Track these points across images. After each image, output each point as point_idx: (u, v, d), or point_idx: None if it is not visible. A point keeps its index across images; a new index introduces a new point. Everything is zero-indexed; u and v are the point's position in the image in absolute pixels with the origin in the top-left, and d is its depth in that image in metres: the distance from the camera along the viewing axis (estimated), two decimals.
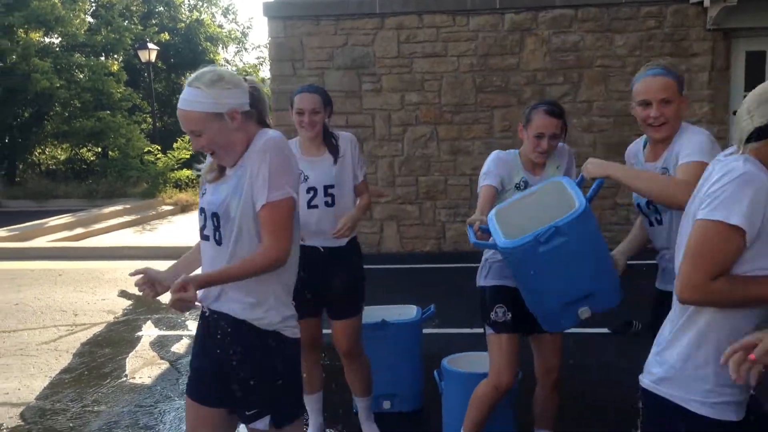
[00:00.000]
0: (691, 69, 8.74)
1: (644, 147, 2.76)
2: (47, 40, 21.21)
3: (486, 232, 2.67)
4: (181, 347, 5.69)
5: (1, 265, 9.61)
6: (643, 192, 2.44)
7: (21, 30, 19.38)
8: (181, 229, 12.53)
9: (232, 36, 28.31)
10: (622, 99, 8.78)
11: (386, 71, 9.19)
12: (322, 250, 3.44)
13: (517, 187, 3.10)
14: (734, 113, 8.74)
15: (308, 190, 3.40)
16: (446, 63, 9.10)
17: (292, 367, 2.31)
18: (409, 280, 7.85)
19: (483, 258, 3.21)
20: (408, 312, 4.33)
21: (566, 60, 8.92)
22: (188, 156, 17.68)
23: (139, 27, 23.24)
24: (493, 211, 2.76)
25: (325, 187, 3.41)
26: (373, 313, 4.24)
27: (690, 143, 2.47)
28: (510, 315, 3.05)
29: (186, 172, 17.63)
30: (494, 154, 3.18)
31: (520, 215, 2.67)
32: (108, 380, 4.96)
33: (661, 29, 8.76)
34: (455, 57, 9.09)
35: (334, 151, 3.47)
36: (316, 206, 3.41)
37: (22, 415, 4.36)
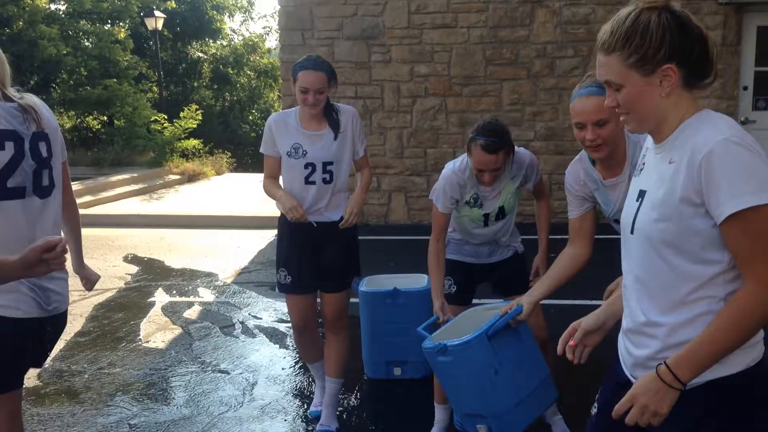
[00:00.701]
0: None
1: (593, 164, 2.65)
2: (53, 6, 21.11)
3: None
4: (192, 313, 5.78)
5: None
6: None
7: None
8: (188, 198, 12.59)
9: (239, 5, 28.09)
10: None
11: (396, 42, 9.17)
12: (315, 225, 3.37)
13: (468, 204, 3.28)
14: (744, 88, 8.76)
15: (306, 166, 3.33)
16: (456, 34, 9.07)
17: None
18: (416, 251, 7.90)
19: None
20: (418, 281, 4.40)
21: (576, 33, 8.89)
22: (194, 126, 17.68)
23: None
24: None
25: (324, 164, 3.33)
26: (383, 281, 4.31)
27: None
28: (455, 288, 3.44)
29: (193, 142, 17.63)
30: (447, 173, 3.27)
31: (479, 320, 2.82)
32: (123, 344, 5.06)
33: (672, 2, 8.70)
34: (465, 28, 9.06)
35: (335, 125, 3.35)
36: (313, 182, 3.34)
37: (39, 376, 4.47)
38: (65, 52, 19.05)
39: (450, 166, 3.27)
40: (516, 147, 3.27)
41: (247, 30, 34.16)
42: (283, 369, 4.56)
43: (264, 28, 42.31)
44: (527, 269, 3.49)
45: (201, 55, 25.71)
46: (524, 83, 9.00)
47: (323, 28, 9.26)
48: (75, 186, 13.19)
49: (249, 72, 26.50)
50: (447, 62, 9.14)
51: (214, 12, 25.68)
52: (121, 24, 21.71)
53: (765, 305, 1.51)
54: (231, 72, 25.86)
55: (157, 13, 19.50)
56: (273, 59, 25.60)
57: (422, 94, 9.22)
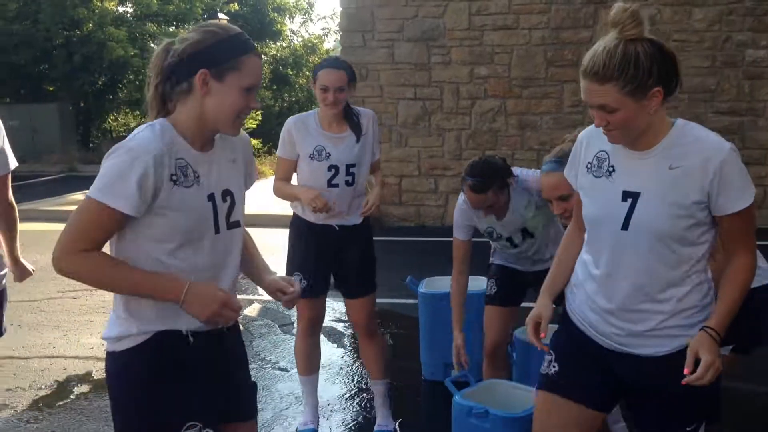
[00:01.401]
0: None
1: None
2: (122, 9, 21.77)
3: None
4: (252, 311, 5.89)
5: None
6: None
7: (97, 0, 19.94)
8: (248, 197, 12.79)
9: (299, 6, 28.44)
10: (698, 75, 8.55)
11: (456, 43, 9.15)
12: (337, 228, 3.36)
13: (489, 234, 3.39)
14: None
15: (330, 168, 3.29)
16: (517, 36, 9.00)
17: None
18: (475, 253, 7.87)
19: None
20: (477, 283, 4.38)
21: None
22: (254, 126, 17.98)
23: None
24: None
25: (348, 166, 3.31)
26: (443, 283, 4.31)
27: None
28: (495, 289, 3.50)
29: (252, 142, 17.90)
30: (459, 202, 3.37)
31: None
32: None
33: (742, 3, 8.47)
34: (527, 30, 8.98)
35: (357, 129, 3.35)
36: (336, 185, 3.31)
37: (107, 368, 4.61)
38: (132, 53, 19.62)
39: (460, 197, 3.34)
40: (523, 173, 3.27)
41: (307, 31, 34.57)
42: (341, 368, 4.60)
43: (323, 29, 42.82)
44: None
45: (262, 56, 26.13)
46: None
47: (384, 29, 9.31)
48: None
49: (308, 73, 26.77)
50: (507, 64, 9.07)
51: (275, 14, 26.07)
52: (186, 26, 22.21)
53: (754, 267, 1.97)
54: (290, 73, 26.19)
55: (220, 15, 19.87)
56: None
57: (481, 96, 9.18)
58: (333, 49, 26.90)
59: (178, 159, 1.80)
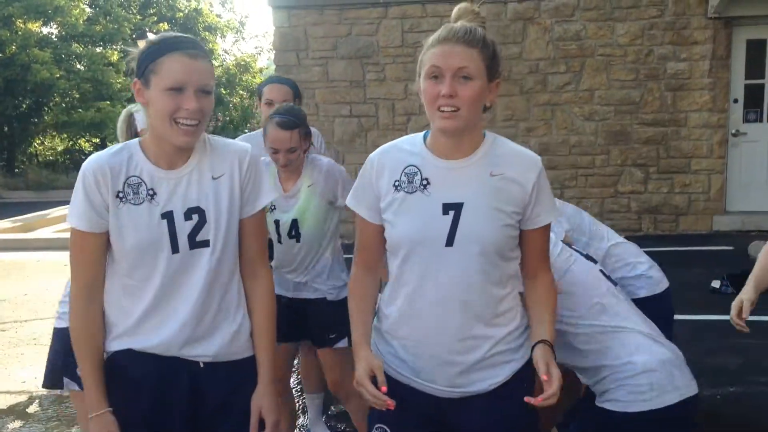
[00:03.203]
0: (692, 57, 8.80)
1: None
2: (46, 30, 21.18)
3: None
4: None
5: (7, 255, 9.67)
6: None
7: (20, 21, 19.35)
8: None
9: (231, 25, 28.23)
10: (623, 88, 8.85)
11: (390, 60, 9.23)
12: None
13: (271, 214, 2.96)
14: (734, 101, 8.85)
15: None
16: None
17: None
18: None
19: None
20: None
21: (568, 49, 8.97)
22: None
23: (138, 17, 23.19)
24: None
25: None
26: None
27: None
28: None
29: None
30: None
31: None
32: None
33: (662, 18, 8.82)
34: None
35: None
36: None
37: (40, 403, 4.44)
38: (58, 75, 19.10)
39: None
40: (329, 157, 3.16)
41: (239, 50, 34.31)
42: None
43: (256, 47, 42.62)
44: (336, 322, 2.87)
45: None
46: (517, 99, 9.07)
47: (318, 48, 9.32)
48: (68, 209, 13.18)
49: (241, 92, 26.59)
50: None
51: (207, 33, 25.79)
52: (113, 46, 21.78)
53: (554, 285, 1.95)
54: (224, 92, 25.94)
55: (149, 35, 19.51)
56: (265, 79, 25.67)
57: (417, 112, 9.27)
58: (266, 68, 26.77)
59: (130, 177, 1.81)
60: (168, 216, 1.82)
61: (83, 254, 1.84)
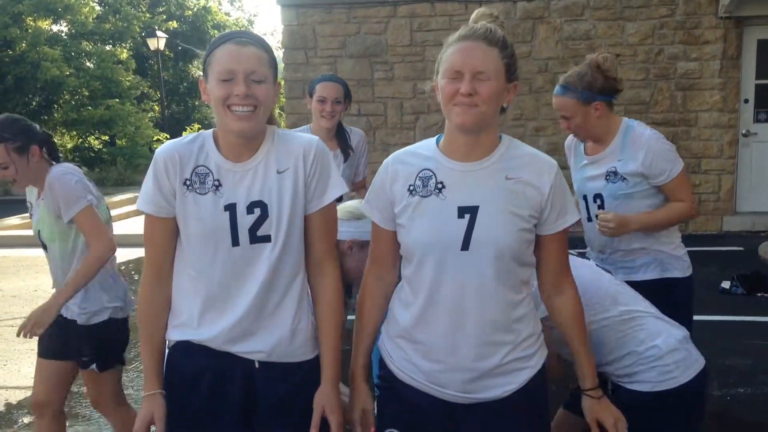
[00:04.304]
0: (702, 57, 8.76)
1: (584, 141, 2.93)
2: (56, 28, 21.27)
3: None
4: None
5: (17, 252, 9.71)
6: (665, 225, 2.75)
7: (30, 18, 19.44)
8: None
9: (239, 24, 28.30)
10: (633, 87, 8.81)
11: (398, 59, 9.23)
12: None
13: None
14: (745, 101, 8.80)
15: None
16: None
17: None
18: None
19: None
20: None
21: (578, 48, 8.94)
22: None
23: (147, 15, 23.30)
24: None
25: None
26: None
27: (659, 158, 2.70)
28: None
29: None
30: None
31: None
32: (133, 364, 5.05)
33: (673, 17, 8.78)
34: None
35: (345, 147, 3.47)
36: None
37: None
38: (68, 73, 19.19)
39: None
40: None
41: None
42: None
43: None
44: None
45: (202, 74, 25.89)
46: (526, 99, 9.04)
47: (326, 46, 9.33)
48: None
49: None
50: None
51: (215, 31, 25.88)
52: (123, 44, 21.86)
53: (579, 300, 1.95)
54: None
55: (158, 33, 19.65)
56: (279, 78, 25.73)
57: (425, 111, 9.27)
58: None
59: (199, 166, 1.83)
60: (231, 208, 1.81)
61: (151, 238, 1.89)
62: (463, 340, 1.80)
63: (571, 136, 3.00)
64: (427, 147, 1.89)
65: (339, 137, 3.47)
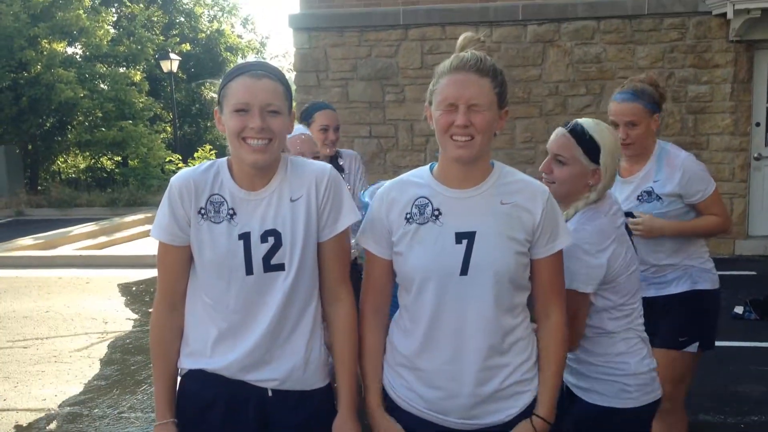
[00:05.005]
0: (713, 80, 8.76)
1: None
2: (71, 50, 21.52)
3: None
4: None
5: (29, 272, 9.76)
6: (695, 233, 2.87)
7: (45, 41, 19.68)
8: None
9: (252, 46, 28.55)
10: None
11: (409, 82, 9.28)
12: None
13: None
14: (756, 125, 8.78)
15: None
16: None
17: None
18: None
19: None
20: None
21: (588, 71, 8.98)
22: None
23: (161, 37, 23.50)
24: None
25: None
26: None
27: (696, 178, 2.80)
28: None
29: None
30: None
31: None
32: (142, 387, 5.06)
33: (683, 41, 8.80)
34: None
35: (339, 169, 3.54)
36: None
37: (59, 422, 4.46)
38: (82, 94, 19.36)
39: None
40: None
41: None
42: None
43: None
44: None
45: (214, 95, 26.03)
46: (537, 121, 9.07)
47: (338, 69, 9.40)
48: (90, 227, 13.35)
49: None
50: None
51: (228, 53, 26.12)
52: (136, 66, 22.07)
53: (566, 329, 1.94)
54: None
55: (172, 55, 19.85)
56: None
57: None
58: None
59: (214, 195, 1.85)
60: (245, 237, 1.82)
61: (164, 266, 1.90)
62: (464, 365, 1.81)
63: None
64: (421, 175, 1.92)
65: (332, 160, 3.59)
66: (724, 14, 8.44)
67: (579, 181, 2.19)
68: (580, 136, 2.20)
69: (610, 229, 2.11)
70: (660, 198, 2.80)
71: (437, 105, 1.81)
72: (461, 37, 1.94)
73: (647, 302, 2.89)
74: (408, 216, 1.85)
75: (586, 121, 2.28)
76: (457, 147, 1.77)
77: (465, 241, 1.79)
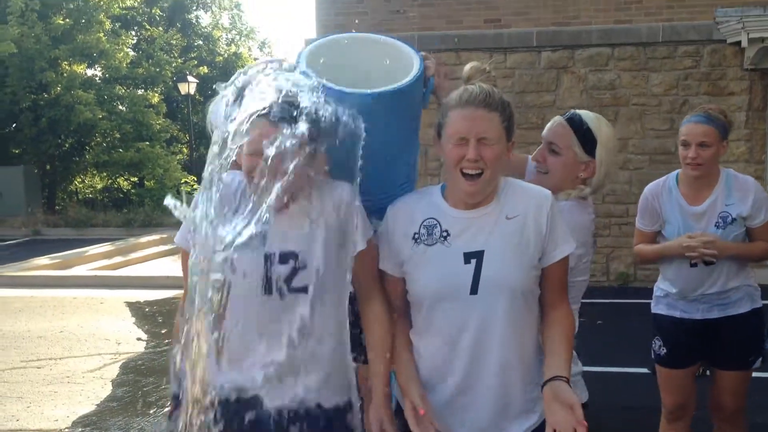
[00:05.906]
0: (728, 108, 8.74)
1: (677, 184, 3.04)
2: (90, 72, 21.85)
3: None
4: None
5: (44, 292, 9.84)
6: (751, 257, 2.99)
7: (65, 63, 20.01)
8: None
9: None
10: (658, 137, 8.82)
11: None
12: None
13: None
14: None
15: None
16: None
17: None
18: None
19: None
20: None
21: (602, 98, 9.00)
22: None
23: (179, 60, 23.84)
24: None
25: None
26: None
27: (764, 202, 2.93)
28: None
29: None
30: None
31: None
32: (154, 409, 5.08)
33: (698, 68, 8.81)
34: None
35: None
36: None
37: None
38: (100, 116, 19.63)
39: None
40: None
41: None
42: None
43: None
44: None
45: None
46: None
47: None
48: (105, 247, 13.46)
49: None
50: None
51: None
52: (154, 89, 22.36)
53: (573, 315, 1.96)
54: None
55: (189, 78, 20.11)
56: None
57: None
58: None
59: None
60: (268, 258, 1.83)
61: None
62: (484, 381, 1.83)
63: (654, 184, 3.15)
64: (430, 194, 1.94)
65: None
66: (739, 42, 8.45)
67: (571, 172, 2.22)
68: (578, 126, 2.22)
69: (590, 230, 2.17)
70: (735, 220, 2.92)
71: (448, 138, 1.84)
72: (467, 67, 1.98)
73: (708, 324, 3.02)
74: (416, 236, 1.87)
75: (585, 113, 2.30)
76: (468, 185, 1.80)
77: (473, 261, 1.80)
